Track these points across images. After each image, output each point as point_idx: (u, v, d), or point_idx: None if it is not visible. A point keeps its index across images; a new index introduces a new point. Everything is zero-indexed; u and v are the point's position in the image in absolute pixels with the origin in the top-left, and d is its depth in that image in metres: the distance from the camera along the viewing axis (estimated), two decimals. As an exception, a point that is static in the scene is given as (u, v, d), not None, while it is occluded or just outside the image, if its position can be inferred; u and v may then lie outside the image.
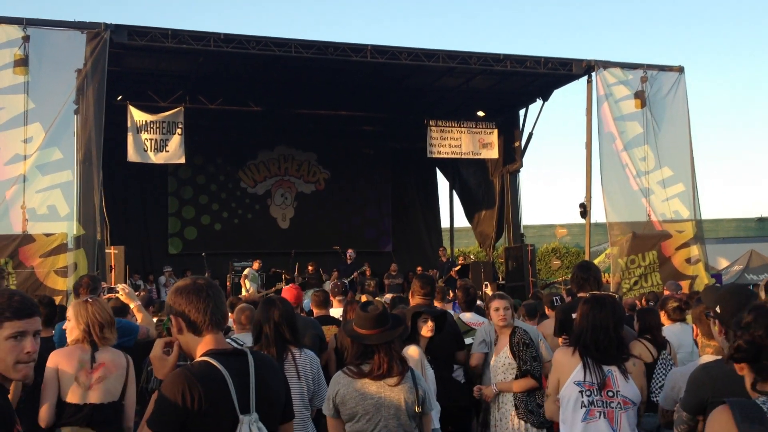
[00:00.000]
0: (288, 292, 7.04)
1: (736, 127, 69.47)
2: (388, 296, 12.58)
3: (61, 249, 11.88)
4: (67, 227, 12.19)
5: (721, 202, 66.66)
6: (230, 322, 6.25)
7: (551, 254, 32.49)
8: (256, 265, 16.95)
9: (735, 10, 66.95)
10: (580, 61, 16.38)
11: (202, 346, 2.66)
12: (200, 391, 2.50)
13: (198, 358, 2.64)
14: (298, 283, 15.60)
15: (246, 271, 16.62)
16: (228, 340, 4.51)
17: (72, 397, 4.39)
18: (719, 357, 3.32)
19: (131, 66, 15.63)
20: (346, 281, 15.28)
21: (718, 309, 3.21)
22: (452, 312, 7.35)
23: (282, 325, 4.60)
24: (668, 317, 6.44)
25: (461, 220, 23.48)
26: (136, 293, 11.67)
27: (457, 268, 17.94)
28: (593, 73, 16.26)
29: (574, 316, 4.49)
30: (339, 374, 3.95)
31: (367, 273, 17.95)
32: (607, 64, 16.23)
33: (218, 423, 2.54)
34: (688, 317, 6.53)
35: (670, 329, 6.28)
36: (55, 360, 4.47)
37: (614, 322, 4.07)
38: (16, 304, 2.59)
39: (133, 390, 4.66)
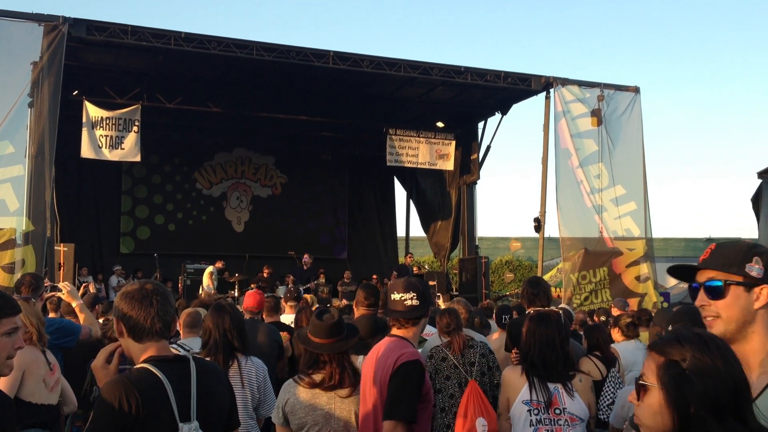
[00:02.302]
0: (251, 297, 6.97)
1: (687, 148, 71.04)
2: (344, 302, 12.55)
3: (9, 245, 11.63)
4: (17, 222, 11.94)
5: (671, 222, 68.10)
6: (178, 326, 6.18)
7: (505, 267, 32.77)
8: (219, 264, 16.79)
9: (691, 33, 68.51)
10: (539, 77, 16.61)
11: (141, 352, 2.64)
12: (137, 398, 2.47)
13: (138, 365, 2.61)
14: (252, 287, 15.49)
15: (210, 269, 16.43)
16: (174, 346, 4.48)
17: (39, 397, 4.32)
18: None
19: (89, 61, 15.37)
20: (301, 288, 15.23)
21: (670, 328, 3.28)
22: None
23: (231, 331, 4.57)
24: (622, 334, 6.51)
25: (417, 229, 23.60)
26: (81, 286, 11.48)
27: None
28: (551, 90, 16.52)
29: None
30: (290, 382, 3.92)
31: (322, 279, 17.88)
32: (565, 82, 16.49)
33: (157, 430, 2.50)
34: (643, 334, 6.63)
35: (623, 346, 6.35)
36: (23, 359, 4.34)
37: (560, 339, 4.12)
38: (9, 301, 2.66)
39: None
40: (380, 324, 5.10)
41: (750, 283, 2.10)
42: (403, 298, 3.67)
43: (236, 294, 15.62)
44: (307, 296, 10.23)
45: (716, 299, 2.11)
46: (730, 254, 2.15)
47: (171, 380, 2.55)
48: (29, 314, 4.47)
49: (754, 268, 2.10)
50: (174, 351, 2.81)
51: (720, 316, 2.10)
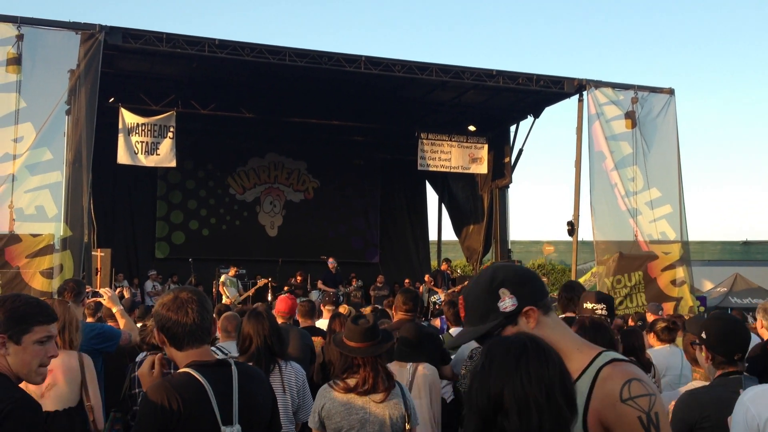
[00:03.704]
0: (283, 302, 7.02)
1: (723, 150, 70.02)
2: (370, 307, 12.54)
3: (47, 250, 11.80)
4: (55, 228, 12.11)
5: (707, 225, 67.16)
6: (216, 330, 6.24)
7: (538, 270, 32.57)
8: (232, 271, 16.80)
9: (725, 34, 67.56)
10: (572, 79, 16.49)
11: (184, 358, 2.70)
12: (179, 401, 2.52)
13: (179, 370, 2.67)
14: (285, 290, 15.57)
15: (222, 278, 16.49)
16: (213, 349, 4.52)
17: None
18: (707, 383, 3.35)
19: (124, 68, 15.60)
20: (339, 293, 15.24)
21: (703, 335, 3.25)
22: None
23: (270, 337, 4.61)
24: (657, 338, 6.43)
25: (449, 234, 23.55)
26: (118, 289, 11.63)
27: (456, 289, 17.48)
28: (584, 92, 16.38)
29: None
30: (325, 387, 3.95)
31: (354, 283, 17.91)
32: (598, 84, 16.35)
33: None
34: (678, 339, 6.54)
35: (659, 351, 6.27)
36: None
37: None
38: (45, 309, 2.70)
39: (96, 391, 4.52)
40: (426, 332, 5.11)
41: (513, 317, 2.10)
42: (594, 308, 4.11)
43: (269, 298, 15.72)
44: (345, 306, 10.18)
45: None
46: (478, 304, 2.14)
47: (212, 384, 2.60)
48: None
49: (506, 303, 2.10)
50: (215, 355, 2.86)
51: None
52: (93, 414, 4.45)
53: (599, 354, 2.13)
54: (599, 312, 4.10)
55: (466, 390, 1.86)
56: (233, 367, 2.73)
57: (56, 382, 4.37)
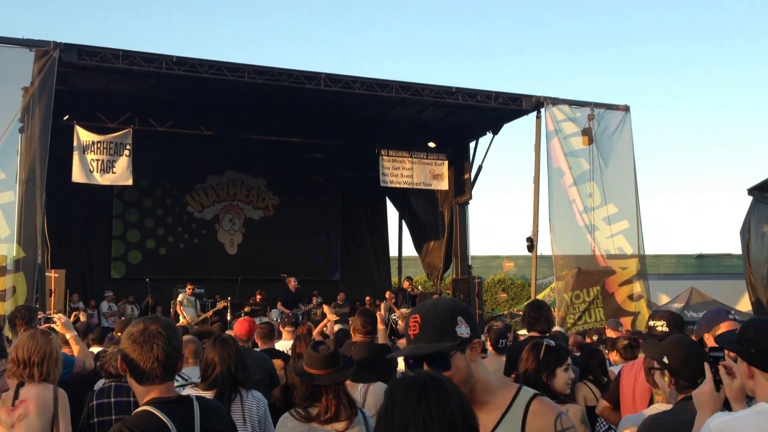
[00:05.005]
0: (240, 325, 6.93)
1: (677, 164, 71.41)
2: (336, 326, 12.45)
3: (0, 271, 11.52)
4: (7, 249, 11.85)
5: (662, 238, 68.27)
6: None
7: (497, 286, 32.75)
8: (188, 290, 16.48)
9: (680, 52, 69.10)
10: (530, 97, 16.69)
11: (144, 394, 2.62)
12: None
13: (140, 407, 2.59)
14: (244, 311, 15.39)
15: (180, 297, 16.15)
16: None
17: None
18: (669, 406, 3.36)
19: (80, 85, 15.36)
20: (299, 312, 15.08)
21: (665, 360, 3.26)
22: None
23: (234, 365, 4.53)
24: (620, 356, 6.46)
25: (410, 249, 23.57)
26: (72, 314, 11.36)
27: None
28: (542, 109, 16.58)
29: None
30: (286, 416, 3.87)
31: (314, 301, 17.74)
32: (555, 101, 16.56)
33: None
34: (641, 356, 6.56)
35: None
36: None
37: (547, 373, 4.09)
38: None
39: (67, 426, 4.40)
40: (378, 350, 5.06)
41: (464, 345, 2.26)
42: (655, 325, 4.57)
43: (229, 318, 15.51)
44: (309, 324, 10.01)
45: (443, 370, 2.20)
46: (439, 323, 2.26)
47: (175, 422, 2.53)
48: (19, 348, 4.40)
49: (462, 329, 2.25)
50: (177, 391, 2.78)
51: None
52: None
53: (519, 389, 2.37)
54: (660, 329, 4.54)
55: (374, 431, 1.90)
56: (195, 403, 2.65)
57: (28, 413, 4.27)
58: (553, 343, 4.19)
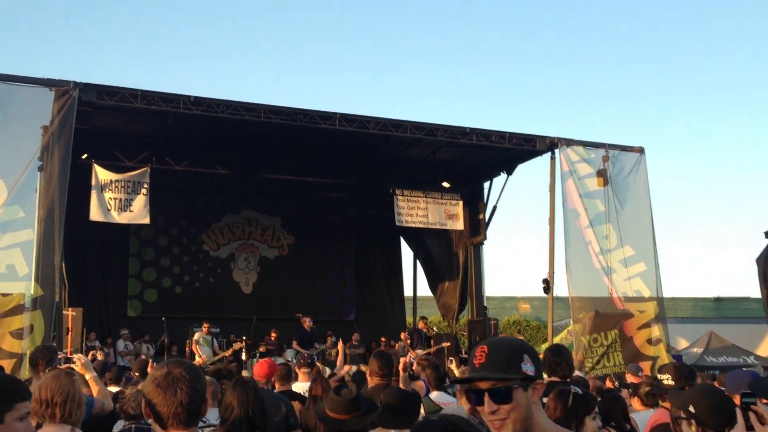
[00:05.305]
0: (261, 366, 6.90)
1: (694, 206, 71.08)
2: (352, 367, 12.41)
3: (17, 310, 11.56)
4: (25, 287, 11.87)
5: (679, 281, 67.72)
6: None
7: (513, 327, 32.50)
8: (204, 329, 16.44)
9: (696, 94, 69.23)
10: (544, 138, 16.73)
11: None
12: None
13: None
14: (260, 351, 15.33)
15: (196, 336, 16.10)
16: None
17: None
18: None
19: (98, 124, 15.53)
20: (314, 353, 15.02)
21: (691, 409, 3.23)
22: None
23: (252, 409, 4.49)
24: (642, 403, 6.37)
25: (424, 289, 23.47)
26: (89, 353, 11.35)
27: (432, 350, 17.22)
28: (556, 150, 16.58)
29: (545, 400, 4.43)
30: (308, 461, 3.84)
31: (328, 341, 17.66)
32: (570, 142, 16.57)
33: None
34: (664, 404, 6.47)
35: (643, 415, 6.20)
36: None
37: (576, 421, 4.04)
38: (23, 386, 2.75)
39: None
40: (409, 396, 4.99)
41: (527, 383, 2.25)
42: (661, 378, 4.97)
43: (244, 358, 15.45)
44: (317, 365, 10.06)
45: (503, 403, 2.21)
46: (505, 357, 2.26)
47: None
48: (42, 388, 4.38)
49: (527, 366, 2.25)
50: None
51: (509, 417, 2.22)
52: None
53: None
54: (666, 382, 4.91)
55: None
56: None
57: None
58: (580, 390, 4.13)
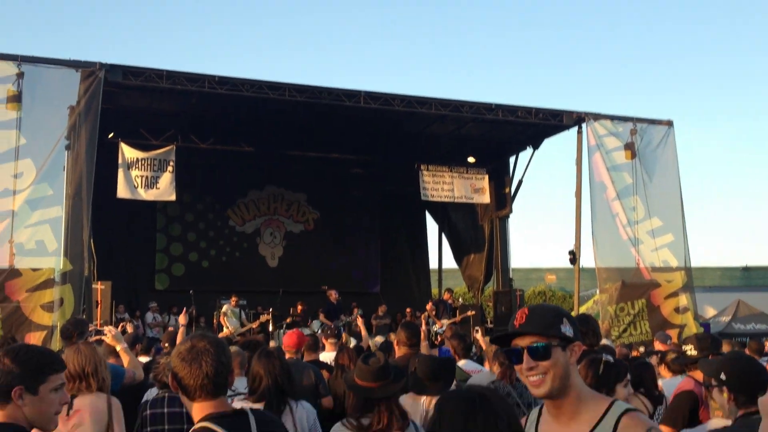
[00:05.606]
0: (290, 337, 6.98)
1: (722, 175, 70.26)
2: (378, 339, 12.50)
3: (47, 284, 11.78)
4: (55, 262, 12.10)
5: (707, 250, 67.13)
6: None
7: (538, 298, 32.48)
8: (233, 301, 16.67)
9: (724, 66, 68.14)
10: (571, 112, 16.56)
11: (198, 410, 2.64)
12: None
13: (197, 424, 2.61)
14: (286, 322, 15.48)
15: (224, 308, 16.34)
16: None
17: None
18: (728, 422, 3.31)
19: (124, 104, 15.63)
20: (340, 324, 15.18)
21: (723, 376, 3.23)
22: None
23: (281, 377, 4.56)
24: (669, 369, 6.38)
25: (449, 261, 23.52)
26: (119, 325, 11.54)
27: (458, 319, 17.31)
28: (583, 125, 16.42)
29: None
30: (338, 426, 3.90)
31: (354, 312, 17.78)
32: (597, 116, 16.40)
33: None
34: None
35: (670, 382, 6.21)
36: None
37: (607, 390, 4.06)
38: (57, 358, 2.76)
39: None
40: (441, 363, 5.04)
41: (565, 343, 2.34)
42: (685, 350, 5.04)
43: (271, 329, 15.62)
44: (343, 335, 10.17)
45: (541, 360, 2.30)
46: (546, 318, 2.37)
47: None
48: (68, 361, 4.45)
49: (567, 329, 2.35)
50: (231, 405, 2.80)
51: (547, 374, 2.31)
52: None
53: (613, 402, 2.37)
54: (689, 353, 4.95)
55: None
56: (250, 416, 2.68)
57: (82, 422, 4.33)
58: (611, 358, 4.15)
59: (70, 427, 4.27)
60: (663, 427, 5.01)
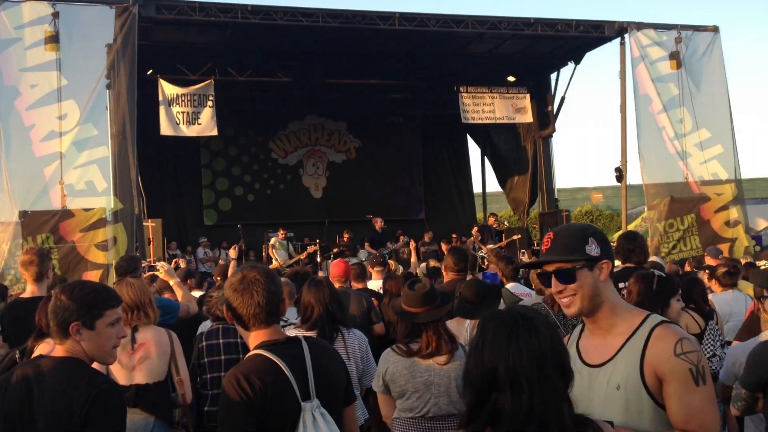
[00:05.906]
0: (337, 266, 7.06)
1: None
2: (424, 265, 12.57)
3: (100, 223, 11.99)
4: (105, 202, 12.29)
5: (758, 161, 65.58)
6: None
7: (585, 217, 32.25)
8: (281, 234, 16.90)
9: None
10: (612, 23, 16.06)
11: (253, 339, 2.72)
12: (259, 385, 2.53)
13: (251, 352, 2.69)
14: (333, 252, 15.65)
15: (272, 241, 16.58)
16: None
17: (116, 378, 4.25)
18: (779, 335, 3.28)
19: (160, 39, 15.60)
20: (386, 252, 15.30)
21: None
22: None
23: (332, 305, 4.63)
24: (719, 284, 6.33)
25: (493, 185, 23.41)
26: (172, 261, 11.81)
27: (504, 243, 17.29)
28: (626, 35, 15.91)
29: (621, 285, 4.43)
30: (388, 352, 3.96)
31: (401, 240, 17.89)
32: (640, 26, 15.87)
33: (282, 412, 2.57)
34: (740, 283, 6.41)
35: (721, 297, 6.17)
36: None
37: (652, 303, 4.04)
38: (112, 293, 2.83)
39: (184, 365, 4.59)
40: (487, 287, 5.07)
41: (591, 263, 2.42)
42: (759, 265, 4.99)
43: (318, 260, 15.82)
44: (390, 262, 10.25)
45: (568, 283, 2.40)
46: (569, 241, 2.44)
47: (287, 362, 2.61)
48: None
49: (592, 248, 2.42)
50: (284, 333, 2.86)
51: (576, 295, 2.40)
52: (183, 387, 4.53)
53: (648, 316, 2.44)
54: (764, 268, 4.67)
55: (464, 366, 1.99)
56: (304, 343, 2.73)
57: (149, 355, 4.47)
58: (663, 273, 4.14)
59: (137, 360, 4.42)
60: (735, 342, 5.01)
